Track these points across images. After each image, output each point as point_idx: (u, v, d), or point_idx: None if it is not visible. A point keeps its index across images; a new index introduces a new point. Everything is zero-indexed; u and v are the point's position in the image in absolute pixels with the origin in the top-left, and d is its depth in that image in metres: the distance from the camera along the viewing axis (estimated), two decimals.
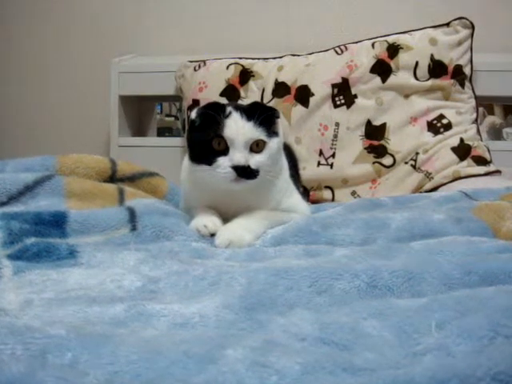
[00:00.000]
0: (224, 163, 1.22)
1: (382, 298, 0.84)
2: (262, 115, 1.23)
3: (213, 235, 1.25)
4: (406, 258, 1.04)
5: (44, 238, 1.08)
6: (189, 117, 1.31)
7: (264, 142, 1.25)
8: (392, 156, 2.01)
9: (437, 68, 2.05)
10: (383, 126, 2.04)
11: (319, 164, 2.06)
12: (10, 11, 2.77)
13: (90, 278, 0.92)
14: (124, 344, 0.64)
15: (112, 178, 1.44)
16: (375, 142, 2.03)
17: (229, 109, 1.25)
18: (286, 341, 0.67)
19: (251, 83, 2.16)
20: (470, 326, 0.64)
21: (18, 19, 2.76)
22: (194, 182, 1.35)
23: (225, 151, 1.22)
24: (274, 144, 1.26)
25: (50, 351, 0.62)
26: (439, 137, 2.01)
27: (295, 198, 1.42)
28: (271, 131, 1.27)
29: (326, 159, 2.05)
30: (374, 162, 2.02)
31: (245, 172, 1.22)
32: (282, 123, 2.04)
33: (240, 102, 2.10)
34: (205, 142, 1.24)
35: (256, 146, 1.24)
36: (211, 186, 1.27)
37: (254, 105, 1.28)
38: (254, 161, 1.23)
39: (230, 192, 1.27)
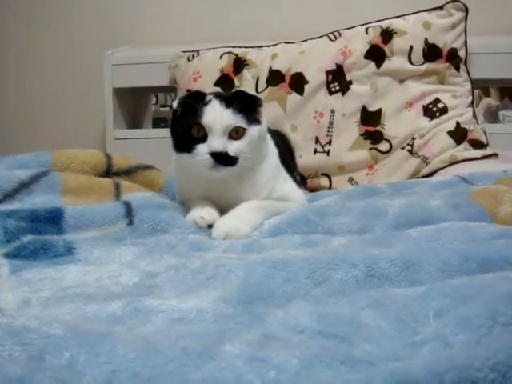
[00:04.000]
0: (202, 150, 1.22)
1: (380, 287, 0.84)
2: (242, 102, 1.23)
3: (210, 226, 1.24)
4: (404, 245, 1.04)
5: (41, 235, 1.08)
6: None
7: (243, 129, 1.24)
8: (388, 142, 2.00)
9: (431, 52, 2.03)
10: (379, 112, 2.03)
11: (316, 151, 2.05)
12: (2, 4, 2.75)
13: (87, 274, 0.92)
14: (121, 342, 0.64)
15: (108, 172, 1.44)
16: (371, 128, 2.02)
17: (209, 97, 1.26)
18: (284, 334, 0.67)
19: (245, 72, 2.15)
20: (468, 314, 0.64)
21: (10, 13, 2.74)
22: (181, 173, 1.36)
23: (204, 138, 1.23)
24: (254, 131, 1.25)
25: (47, 352, 0.62)
26: (435, 121, 2.00)
27: (289, 186, 1.42)
28: (252, 119, 1.26)
29: (323, 146, 2.04)
30: (370, 148, 2.01)
31: (223, 159, 1.21)
32: (277, 111, 2.05)
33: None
34: (185, 130, 1.24)
35: (235, 133, 1.23)
36: (194, 174, 1.28)
37: (236, 93, 1.29)
38: (233, 147, 1.23)
39: (216, 181, 1.27)
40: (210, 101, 1.25)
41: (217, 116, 1.22)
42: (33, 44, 2.74)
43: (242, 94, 1.27)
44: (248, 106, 1.25)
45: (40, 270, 0.93)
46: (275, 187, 1.35)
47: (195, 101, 1.24)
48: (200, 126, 1.23)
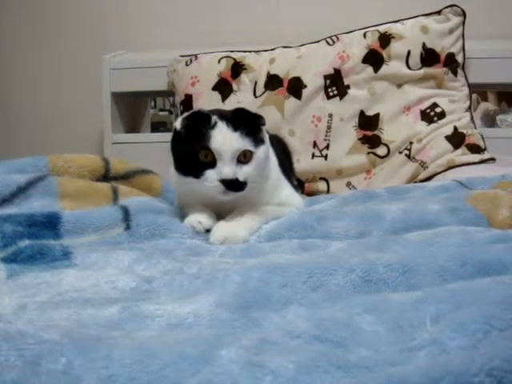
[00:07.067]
0: (212, 176, 1.20)
1: (377, 292, 0.84)
2: (249, 125, 1.21)
3: (208, 231, 1.24)
4: (402, 250, 1.04)
5: (38, 239, 1.08)
6: (174, 127, 1.28)
7: (251, 153, 1.22)
8: (386, 146, 2.01)
9: (429, 56, 2.04)
10: (377, 116, 2.03)
11: (313, 156, 2.05)
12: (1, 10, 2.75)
13: (84, 279, 0.91)
14: (118, 347, 0.64)
15: (105, 176, 1.43)
16: (369, 133, 2.03)
17: (214, 118, 1.21)
18: (280, 339, 0.67)
19: (243, 76, 2.16)
20: (465, 319, 0.64)
21: (7, 18, 2.75)
22: (182, 189, 1.34)
23: (212, 164, 1.20)
24: (261, 153, 1.24)
25: (43, 357, 0.61)
26: (433, 126, 2.01)
27: (287, 191, 1.42)
28: (257, 139, 1.24)
29: (320, 151, 2.05)
30: (368, 153, 2.02)
31: (233, 185, 1.20)
32: (275, 116, 2.06)
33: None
34: (191, 154, 1.21)
35: (243, 157, 1.21)
36: (200, 194, 1.26)
37: (239, 112, 1.25)
38: (242, 173, 1.21)
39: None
40: (215, 123, 1.21)
41: (225, 140, 1.19)
42: (30, 49, 2.74)
43: (244, 113, 1.25)
44: (253, 127, 1.23)
45: (37, 275, 0.93)
46: (274, 193, 1.35)
47: (201, 123, 1.21)
48: (208, 150, 1.19)
